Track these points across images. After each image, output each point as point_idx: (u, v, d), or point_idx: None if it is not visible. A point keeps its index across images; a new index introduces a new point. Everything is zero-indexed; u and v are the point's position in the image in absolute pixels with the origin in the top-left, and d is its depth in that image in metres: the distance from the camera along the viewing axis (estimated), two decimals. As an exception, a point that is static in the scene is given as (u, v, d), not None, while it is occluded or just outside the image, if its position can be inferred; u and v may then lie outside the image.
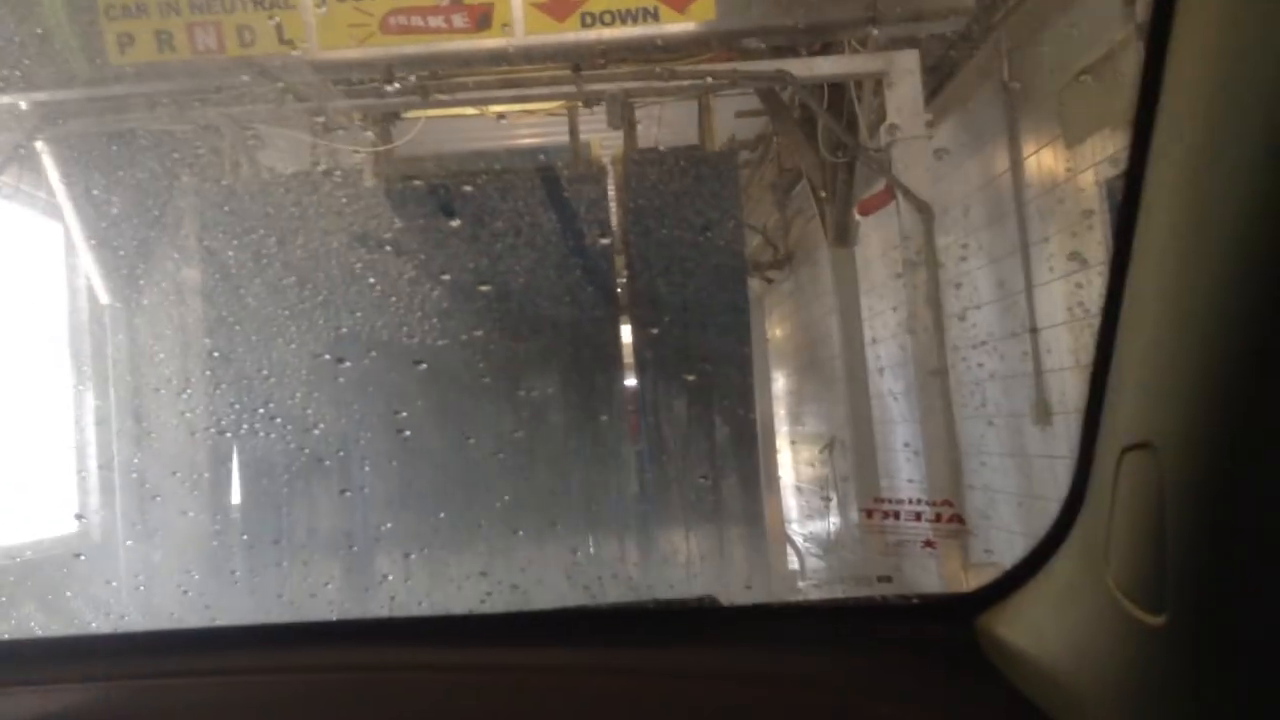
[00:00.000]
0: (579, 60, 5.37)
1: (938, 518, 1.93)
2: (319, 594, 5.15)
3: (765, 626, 1.62)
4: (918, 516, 1.90)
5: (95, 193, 5.67)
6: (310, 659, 1.55)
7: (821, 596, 6.95)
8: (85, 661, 1.58)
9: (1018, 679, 1.25)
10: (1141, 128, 0.92)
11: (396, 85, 5.25)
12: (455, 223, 5.60)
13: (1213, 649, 0.84)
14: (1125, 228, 0.96)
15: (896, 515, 1.93)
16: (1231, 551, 0.81)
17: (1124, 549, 0.98)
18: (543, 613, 1.64)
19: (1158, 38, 0.88)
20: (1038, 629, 1.26)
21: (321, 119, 5.45)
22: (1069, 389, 5.03)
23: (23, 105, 5.28)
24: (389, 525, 5.54)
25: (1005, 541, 5.50)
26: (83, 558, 5.39)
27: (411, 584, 5.36)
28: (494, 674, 1.47)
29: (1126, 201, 0.95)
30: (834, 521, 8.60)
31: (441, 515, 5.33)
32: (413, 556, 5.43)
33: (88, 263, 5.91)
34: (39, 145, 5.58)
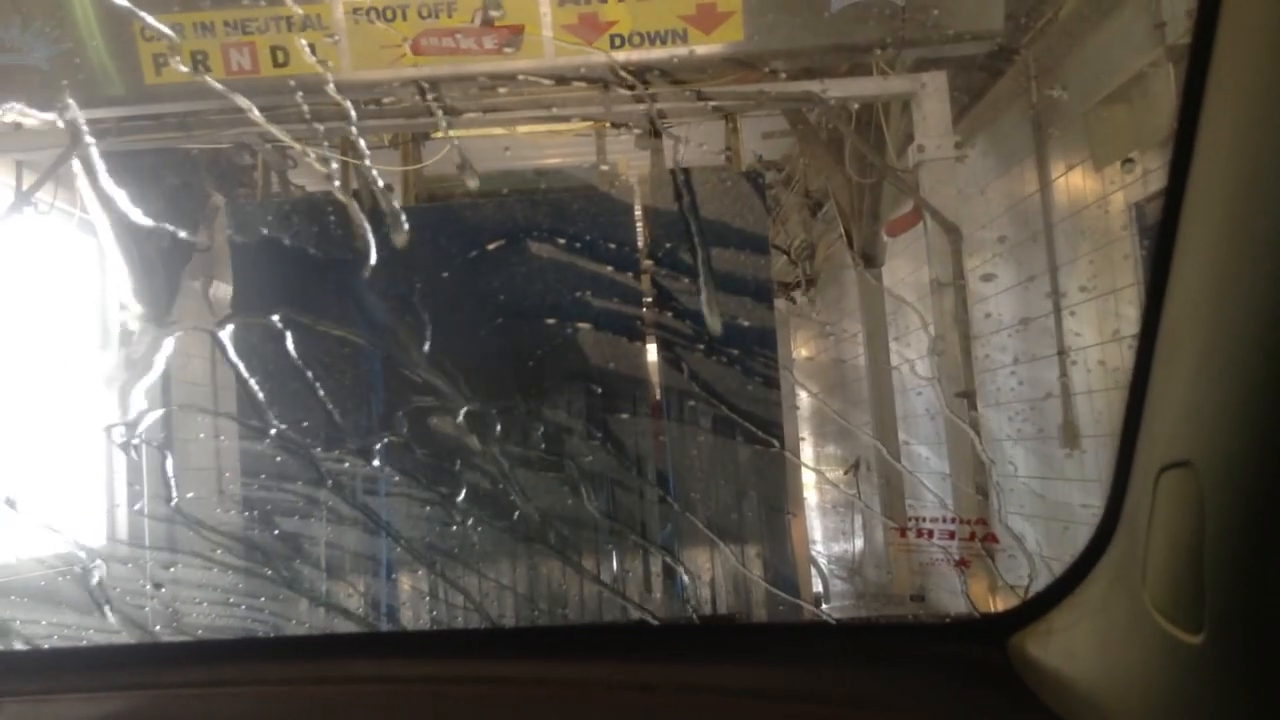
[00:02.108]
0: (607, 81, 5.40)
1: (971, 536, 1.91)
2: (348, 608, 5.16)
3: (796, 644, 1.62)
4: (951, 535, 1.89)
5: (129, 211, 5.74)
6: (336, 671, 1.56)
7: (849, 616, 6.89)
8: (114, 671, 1.60)
9: (1051, 698, 1.24)
10: (1181, 148, 0.92)
11: (427, 105, 5.30)
12: (484, 241, 5.64)
13: (1252, 667, 0.84)
14: (1163, 247, 0.96)
15: (930, 534, 1.91)
16: (1272, 570, 0.80)
17: (1162, 567, 0.97)
18: (568, 628, 1.65)
19: (1200, 56, 0.88)
20: (1071, 648, 1.25)
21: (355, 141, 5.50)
22: (1099, 411, 4.99)
23: (59, 124, 5.36)
24: (419, 541, 5.55)
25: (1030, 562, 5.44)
26: (116, 568, 5.44)
27: (446, 598, 5.37)
28: (519, 688, 1.47)
29: (1165, 220, 0.95)
30: (859, 543, 8.54)
31: (479, 531, 5.35)
32: (444, 572, 5.45)
33: (120, 280, 5.98)
34: (74, 164, 5.65)
